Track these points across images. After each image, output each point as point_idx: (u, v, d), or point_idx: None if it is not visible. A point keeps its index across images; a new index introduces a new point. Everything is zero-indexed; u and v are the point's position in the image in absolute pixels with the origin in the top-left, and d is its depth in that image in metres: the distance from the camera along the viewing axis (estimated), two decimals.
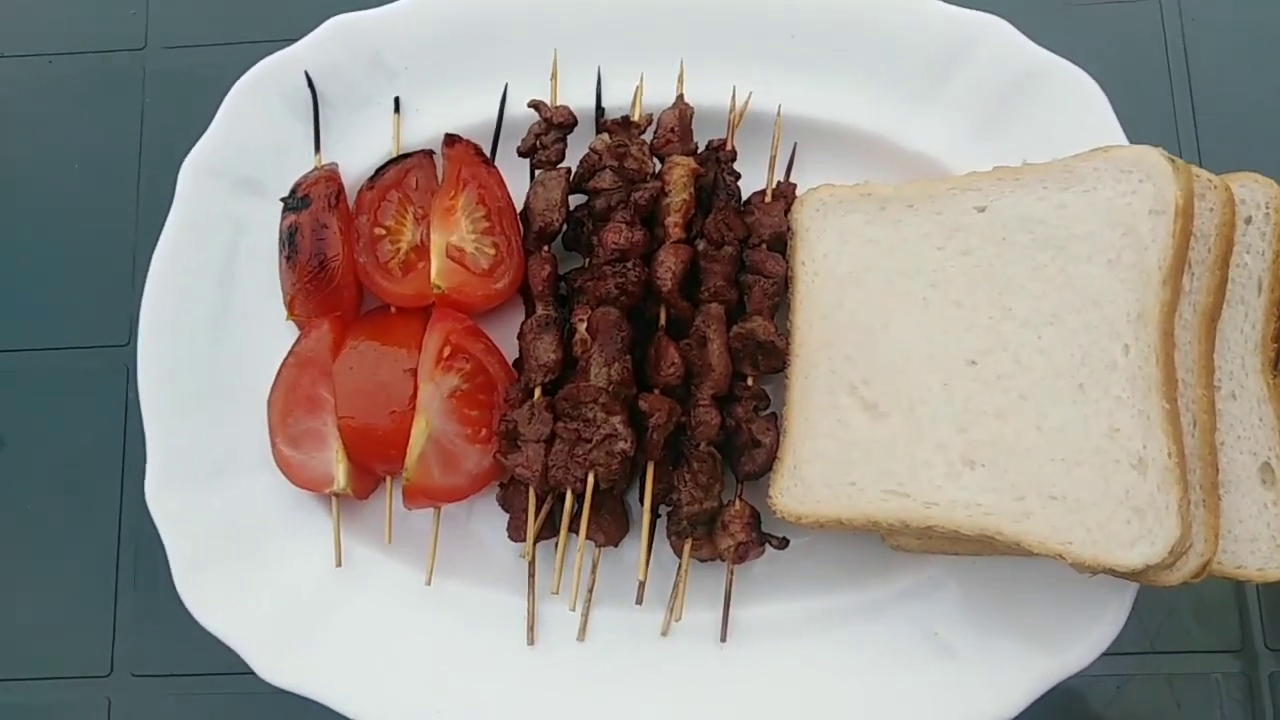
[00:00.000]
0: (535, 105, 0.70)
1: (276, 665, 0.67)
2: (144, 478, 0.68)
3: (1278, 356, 0.61)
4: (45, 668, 0.75)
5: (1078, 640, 0.63)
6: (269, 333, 0.71)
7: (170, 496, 0.68)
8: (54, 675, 0.75)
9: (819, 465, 0.64)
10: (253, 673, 0.67)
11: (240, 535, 0.69)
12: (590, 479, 0.64)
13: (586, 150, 0.70)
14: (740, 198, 0.70)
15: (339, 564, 0.69)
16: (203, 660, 0.74)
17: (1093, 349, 0.58)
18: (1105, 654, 0.69)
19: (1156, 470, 0.55)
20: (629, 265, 0.66)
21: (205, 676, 0.74)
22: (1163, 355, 0.57)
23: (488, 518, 0.70)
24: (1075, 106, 0.67)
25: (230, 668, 0.70)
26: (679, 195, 0.67)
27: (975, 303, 0.62)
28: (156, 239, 0.71)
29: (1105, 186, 0.59)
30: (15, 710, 0.75)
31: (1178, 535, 0.54)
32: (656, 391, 0.66)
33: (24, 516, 0.78)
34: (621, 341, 0.65)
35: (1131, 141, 0.65)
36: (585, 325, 0.66)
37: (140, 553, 0.76)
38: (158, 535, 0.68)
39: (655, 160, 0.70)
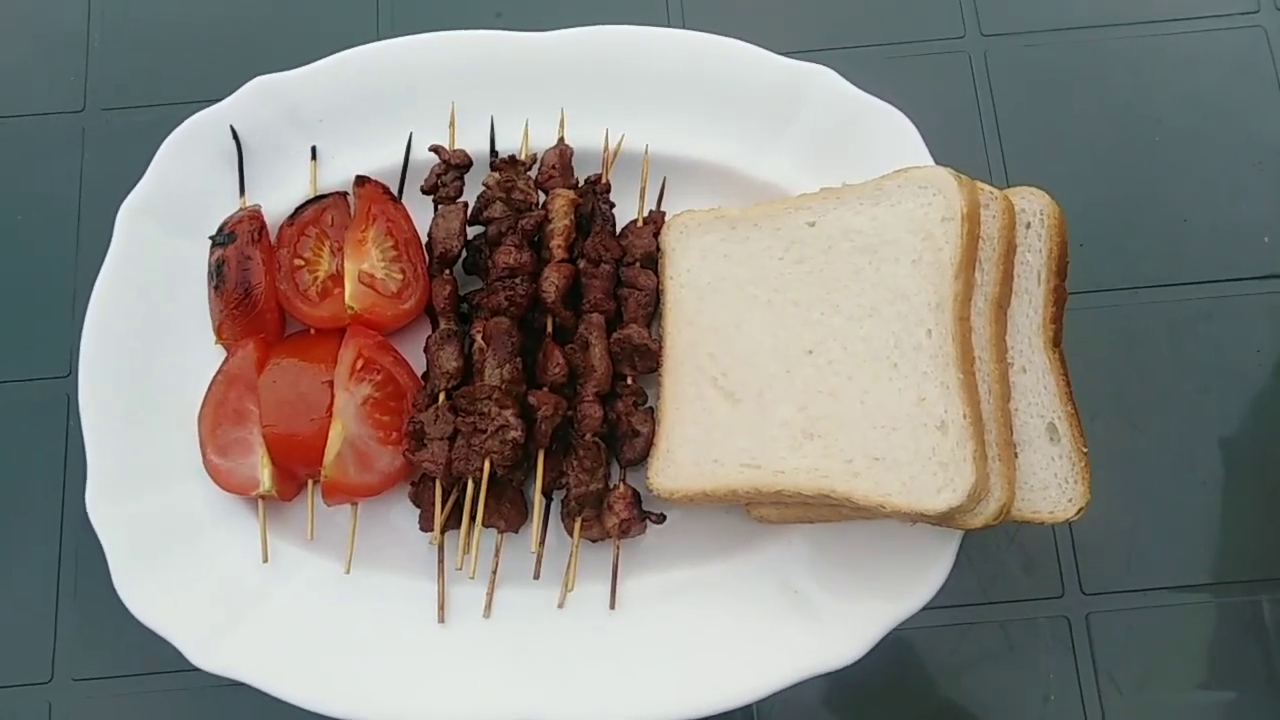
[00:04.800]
0: (436, 149, 0.81)
1: (208, 653, 0.72)
2: (84, 493, 0.75)
3: (1056, 335, 0.72)
4: None
5: (913, 589, 0.72)
6: (199, 356, 0.78)
7: (109, 503, 0.75)
8: None
9: (688, 447, 0.74)
10: (187, 670, 0.73)
11: (174, 537, 0.75)
12: (486, 465, 0.72)
13: (481, 187, 0.80)
14: (615, 224, 0.80)
15: (265, 560, 0.76)
16: (140, 661, 0.80)
17: (903, 334, 0.69)
18: (948, 606, 0.80)
19: (955, 430, 0.66)
20: (517, 281, 0.76)
21: (142, 676, 0.80)
22: (958, 336, 0.68)
23: (401, 514, 0.78)
24: (892, 139, 0.79)
25: (166, 666, 0.77)
26: (560, 221, 0.78)
27: (810, 302, 0.73)
28: (95, 281, 0.79)
29: (908, 200, 0.71)
30: None
31: (973, 481, 0.65)
32: (545, 389, 0.76)
33: None
34: (512, 345, 0.74)
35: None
36: (481, 335, 0.76)
37: (80, 566, 0.82)
38: (96, 548, 0.74)
39: (540, 193, 0.80)
